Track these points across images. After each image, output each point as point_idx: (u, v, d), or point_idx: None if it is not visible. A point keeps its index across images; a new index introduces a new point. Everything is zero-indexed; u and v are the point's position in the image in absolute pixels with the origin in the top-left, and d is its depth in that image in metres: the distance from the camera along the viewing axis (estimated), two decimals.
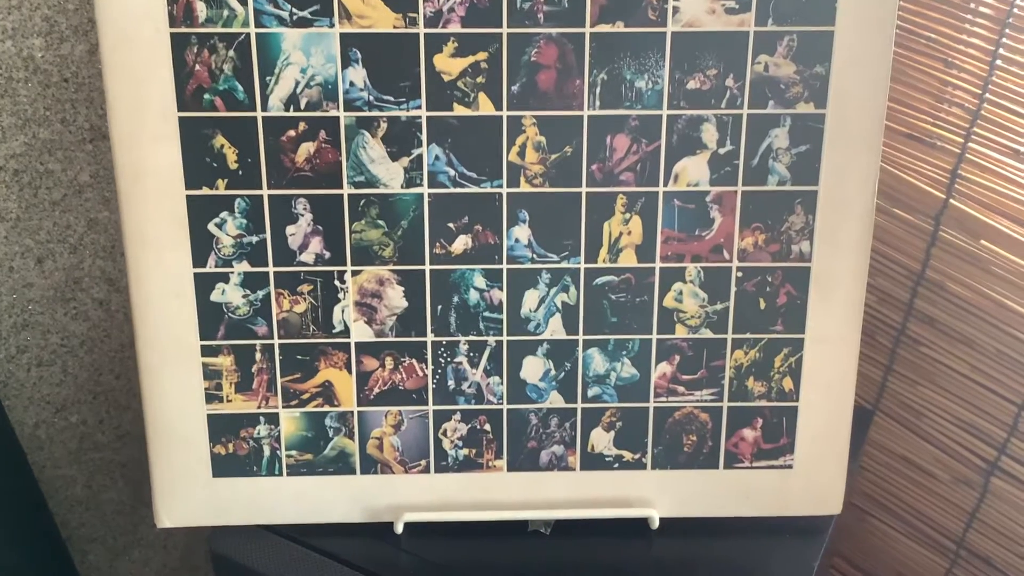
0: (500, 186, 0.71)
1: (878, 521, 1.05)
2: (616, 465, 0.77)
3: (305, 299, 0.73)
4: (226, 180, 0.70)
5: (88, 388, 1.04)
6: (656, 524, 0.77)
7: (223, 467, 0.76)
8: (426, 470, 0.77)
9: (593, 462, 0.77)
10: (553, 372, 0.75)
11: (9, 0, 0.83)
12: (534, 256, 0.72)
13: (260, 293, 0.73)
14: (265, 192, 0.70)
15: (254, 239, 0.71)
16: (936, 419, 0.96)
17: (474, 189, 0.71)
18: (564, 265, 0.73)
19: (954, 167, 0.86)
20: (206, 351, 0.74)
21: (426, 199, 0.71)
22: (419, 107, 0.69)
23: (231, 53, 0.67)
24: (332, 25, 0.67)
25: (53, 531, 1.06)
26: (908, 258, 0.92)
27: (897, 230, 0.92)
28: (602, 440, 0.77)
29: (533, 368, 0.75)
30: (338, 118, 0.69)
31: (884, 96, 0.69)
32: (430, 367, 0.75)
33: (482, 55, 0.68)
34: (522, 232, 0.72)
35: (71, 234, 0.95)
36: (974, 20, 0.82)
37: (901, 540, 1.04)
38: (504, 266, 0.72)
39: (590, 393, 0.76)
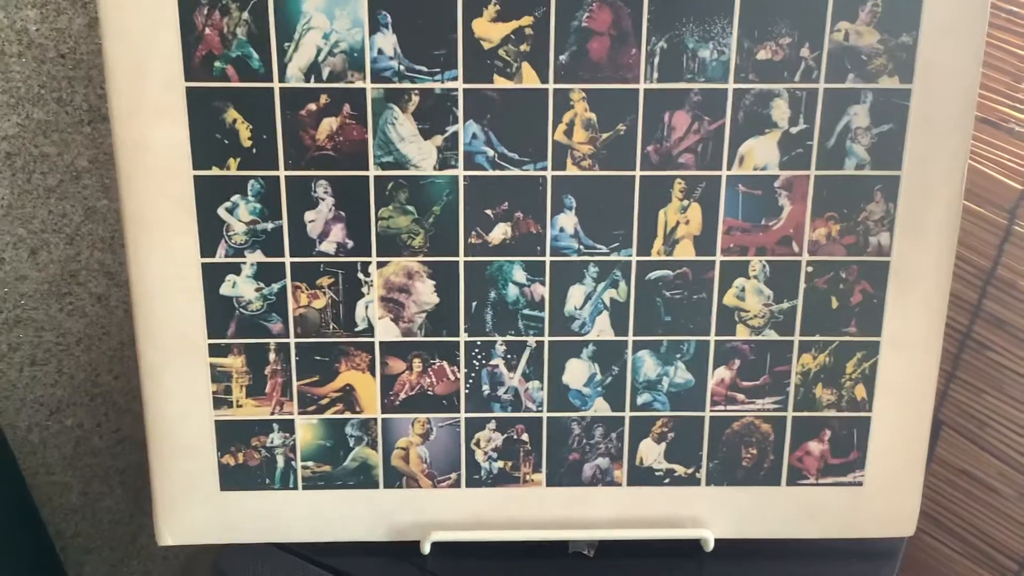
0: (544, 168, 0.66)
1: (935, 540, 1.01)
2: (667, 480, 0.73)
3: (325, 293, 0.68)
4: (238, 159, 0.65)
5: (85, 389, 1.02)
6: (711, 546, 0.73)
7: (232, 479, 0.72)
8: (456, 484, 0.73)
9: (642, 477, 0.73)
10: (599, 377, 0.71)
11: None
12: (581, 247, 0.68)
13: (275, 286, 0.68)
14: (282, 173, 0.66)
15: (269, 226, 0.67)
16: (1002, 430, 0.91)
17: (515, 172, 0.66)
18: (614, 258, 0.68)
19: None
20: (214, 351, 0.69)
21: (461, 182, 0.66)
22: (455, 79, 0.64)
23: (245, 15, 0.62)
24: None
25: (46, 542, 1.06)
26: (977, 255, 0.87)
27: (966, 224, 0.86)
28: (652, 452, 0.73)
29: (577, 372, 0.71)
30: (364, 90, 0.64)
31: (977, 70, 0.64)
32: (463, 370, 0.70)
33: (527, 20, 0.63)
34: (568, 220, 0.67)
35: (67, 223, 0.94)
36: None
37: (960, 561, 0.99)
38: (547, 258, 0.68)
39: (639, 400, 0.71)
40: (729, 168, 0.66)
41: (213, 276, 0.68)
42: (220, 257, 0.67)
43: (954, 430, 0.95)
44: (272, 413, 0.71)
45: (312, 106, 0.64)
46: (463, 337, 0.69)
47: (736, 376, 0.71)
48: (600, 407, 0.71)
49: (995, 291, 0.87)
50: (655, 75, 0.64)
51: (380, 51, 0.63)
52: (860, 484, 0.73)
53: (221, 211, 0.66)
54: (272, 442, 0.71)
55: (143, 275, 0.67)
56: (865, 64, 0.64)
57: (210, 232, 0.67)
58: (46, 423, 1.01)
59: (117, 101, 0.63)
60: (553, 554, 0.75)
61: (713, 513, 0.73)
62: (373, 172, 0.65)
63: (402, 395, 0.71)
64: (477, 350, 0.70)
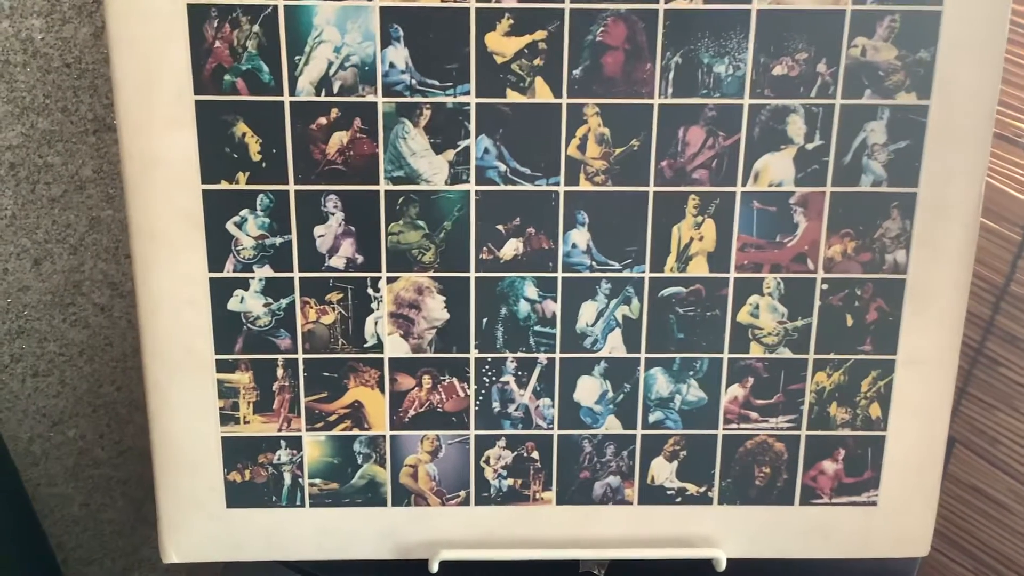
0: (557, 184, 0.65)
1: (945, 557, 0.99)
2: (679, 499, 0.72)
3: (334, 309, 0.67)
4: (247, 173, 0.64)
5: (87, 400, 1.01)
6: (723, 566, 0.72)
7: (238, 496, 0.71)
8: (466, 502, 0.72)
9: (653, 495, 0.72)
10: (611, 394, 0.69)
11: None
12: (593, 263, 0.66)
13: (283, 302, 0.67)
14: (291, 187, 0.64)
15: (278, 241, 0.66)
16: (1013, 447, 0.91)
17: (527, 187, 0.65)
18: (626, 274, 0.67)
19: None
20: (221, 366, 0.68)
21: (473, 197, 0.65)
22: (468, 93, 0.63)
23: (256, 28, 0.61)
24: None
25: (48, 553, 1.05)
26: (991, 271, 0.86)
27: (980, 240, 0.84)
28: (664, 471, 0.71)
29: (588, 389, 0.69)
30: (375, 104, 0.63)
31: (996, 87, 0.63)
32: (473, 387, 0.69)
33: (541, 34, 0.62)
34: (580, 236, 0.66)
35: (71, 234, 0.93)
36: None
37: None
38: (559, 274, 0.67)
39: (651, 418, 0.70)
40: (744, 184, 0.65)
41: (221, 291, 0.66)
42: (228, 272, 0.66)
43: (965, 447, 0.94)
44: (279, 430, 0.70)
45: (322, 120, 0.63)
46: (473, 354, 0.68)
47: (749, 394, 0.69)
48: (612, 425, 0.70)
49: (1008, 307, 0.86)
50: (670, 90, 0.63)
51: (392, 65, 0.62)
52: (874, 504, 0.71)
53: (230, 225, 0.65)
54: (279, 459, 0.70)
55: (150, 289, 0.66)
56: (882, 80, 0.63)
57: (218, 246, 0.65)
58: (48, 434, 1.00)
59: (125, 114, 0.62)
60: (563, 573, 0.74)
61: (725, 532, 0.72)
62: (384, 187, 0.64)
63: (411, 412, 0.69)
64: (487, 367, 0.69)
